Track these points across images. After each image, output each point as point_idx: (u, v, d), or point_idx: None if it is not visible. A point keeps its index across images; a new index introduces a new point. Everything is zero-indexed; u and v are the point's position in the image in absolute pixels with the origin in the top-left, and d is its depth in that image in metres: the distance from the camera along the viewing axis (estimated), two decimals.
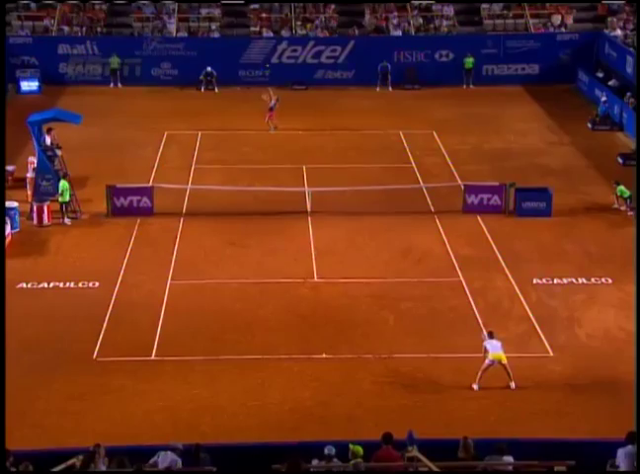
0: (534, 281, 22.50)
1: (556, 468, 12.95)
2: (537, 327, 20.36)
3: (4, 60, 33.89)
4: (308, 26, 41.01)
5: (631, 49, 36.66)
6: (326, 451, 13.32)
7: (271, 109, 33.48)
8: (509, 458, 13.55)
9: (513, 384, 18.14)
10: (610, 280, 22.53)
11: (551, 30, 41.07)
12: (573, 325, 20.59)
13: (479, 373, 18.05)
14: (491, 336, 18.44)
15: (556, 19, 41.27)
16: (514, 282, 22.48)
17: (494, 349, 18.12)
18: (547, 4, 41.82)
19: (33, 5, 41.23)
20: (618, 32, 38.97)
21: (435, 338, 19.97)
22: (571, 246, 24.55)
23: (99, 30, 40.78)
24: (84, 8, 41.34)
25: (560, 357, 19.02)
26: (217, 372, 18.70)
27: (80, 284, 22.25)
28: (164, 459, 13.59)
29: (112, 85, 39.45)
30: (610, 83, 37.24)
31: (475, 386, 18.11)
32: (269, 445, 14.84)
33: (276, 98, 33.67)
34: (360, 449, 13.42)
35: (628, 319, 20.73)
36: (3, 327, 18.89)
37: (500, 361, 18.09)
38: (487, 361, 18.06)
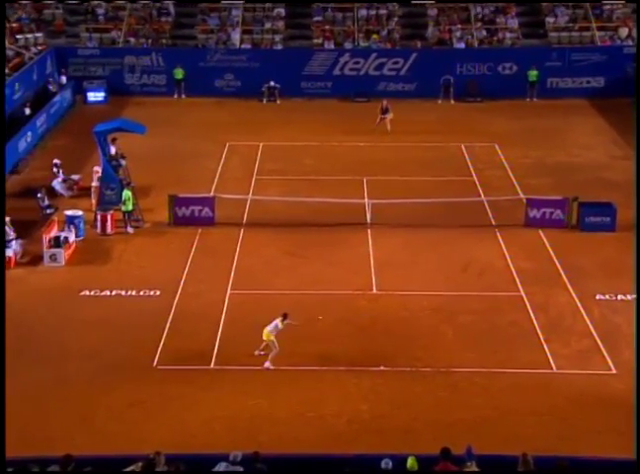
0: (597, 297, 22.16)
1: None
2: (600, 343, 20.04)
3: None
4: (375, 36, 41.03)
5: None
6: (383, 465, 13.25)
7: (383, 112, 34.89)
8: None
9: (267, 364, 19.08)
10: None
11: (618, 42, 40.53)
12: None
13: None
14: (284, 318, 19.52)
15: (623, 32, 40.70)
16: (576, 298, 22.17)
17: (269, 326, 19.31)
18: (614, 17, 41.27)
19: (101, 17, 42.02)
20: None
21: (494, 352, 19.76)
22: (635, 262, 24.11)
23: (164, 41, 41.37)
24: (150, 20, 42.04)
25: (623, 375, 18.66)
26: (275, 383, 18.75)
27: (141, 293, 22.51)
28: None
29: (176, 96, 39.94)
30: None
31: (256, 352, 19.44)
32: (326, 457, 14.78)
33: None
34: (415, 463, 13.31)
35: None
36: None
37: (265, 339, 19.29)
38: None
